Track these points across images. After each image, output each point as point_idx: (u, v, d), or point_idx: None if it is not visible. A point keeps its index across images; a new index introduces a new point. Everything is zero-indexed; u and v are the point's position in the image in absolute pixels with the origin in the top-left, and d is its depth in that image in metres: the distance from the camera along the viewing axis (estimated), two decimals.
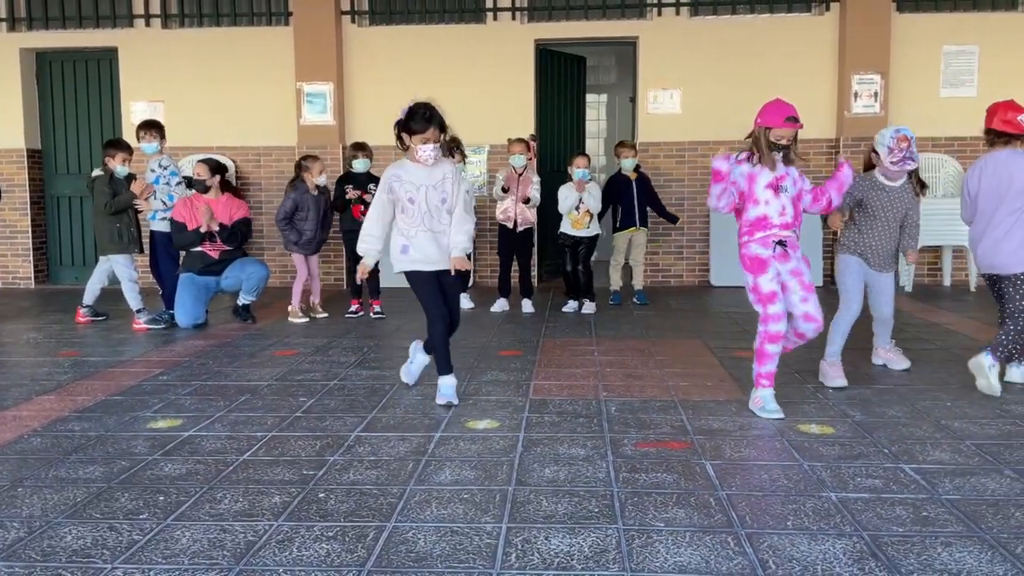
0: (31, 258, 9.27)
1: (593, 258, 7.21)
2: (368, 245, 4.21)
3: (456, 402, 4.11)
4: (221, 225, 6.36)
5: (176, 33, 9.06)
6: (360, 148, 6.87)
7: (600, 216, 7.16)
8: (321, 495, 2.92)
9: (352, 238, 6.84)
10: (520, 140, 7.09)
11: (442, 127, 4.01)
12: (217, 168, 6.50)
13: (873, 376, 4.59)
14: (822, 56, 8.56)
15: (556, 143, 9.21)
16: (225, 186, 6.63)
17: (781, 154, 3.86)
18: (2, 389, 4.51)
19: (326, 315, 6.86)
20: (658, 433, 3.62)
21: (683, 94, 8.74)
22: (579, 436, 3.58)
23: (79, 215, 9.42)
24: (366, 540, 2.54)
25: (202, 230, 6.29)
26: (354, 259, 6.91)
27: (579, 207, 6.96)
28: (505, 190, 6.94)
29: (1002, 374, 4.32)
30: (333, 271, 8.94)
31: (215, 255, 6.42)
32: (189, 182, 6.57)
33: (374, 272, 6.88)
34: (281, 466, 3.23)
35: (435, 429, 3.71)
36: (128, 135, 7.88)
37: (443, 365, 4.18)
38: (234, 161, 8.95)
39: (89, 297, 6.69)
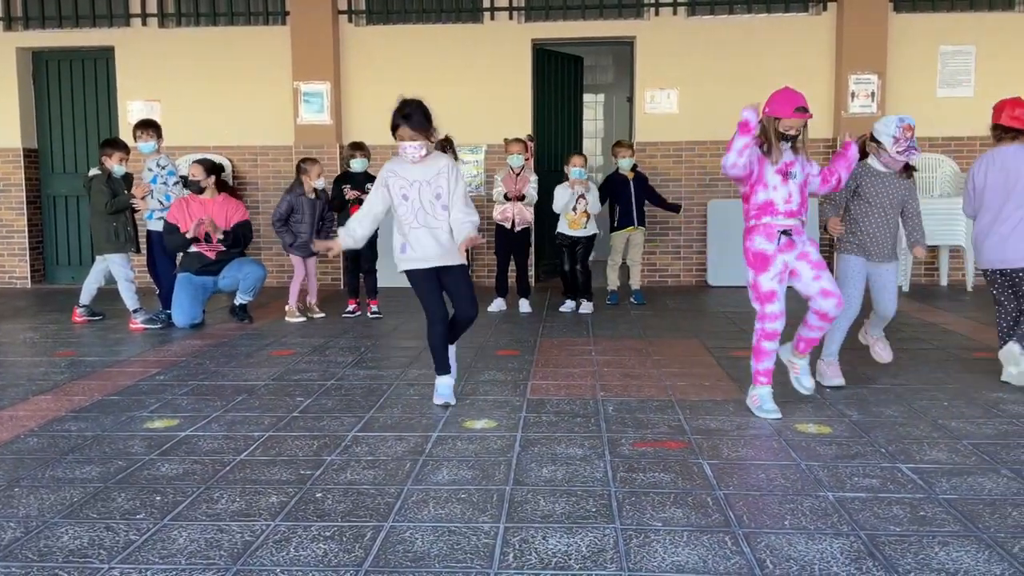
0: (27, 258, 9.25)
1: (591, 258, 7.21)
2: (349, 230, 4.15)
3: (453, 402, 4.11)
4: (225, 232, 6.36)
5: (173, 32, 9.04)
6: (358, 148, 6.87)
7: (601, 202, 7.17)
8: (318, 495, 2.92)
9: None
10: (517, 140, 7.09)
11: (422, 125, 3.91)
12: (212, 168, 6.49)
13: (870, 376, 4.59)
14: (819, 56, 8.57)
15: (553, 143, 9.21)
16: (222, 186, 6.62)
17: (789, 144, 3.80)
18: None
19: (323, 315, 6.86)
20: (655, 433, 3.62)
21: (680, 94, 8.74)
22: (576, 436, 3.58)
23: (76, 215, 9.41)
24: (363, 540, 2.54)
25: (212, 239, 6.31)
26: (351, 259, 6.94)
27: (576, 207, 6.96)
28: (507, 197, 6.94)
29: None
30: (330, 271, 8.94)
31: (212, 255, 6.42)
32: (185, 182, 6.56)
33: (371, 272, 6.90)
34: (278, 466, 3.23)
35: (432, 429, 3.70)
36: (125, 134, 7.87)
37: (440, 365, 4.17)
38: (231, 160, 8.94)
39: (85, 297, 6.68)
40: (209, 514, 2.75)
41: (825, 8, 8.60)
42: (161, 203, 6.55)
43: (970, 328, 6.09)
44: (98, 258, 6.62)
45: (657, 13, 8.74)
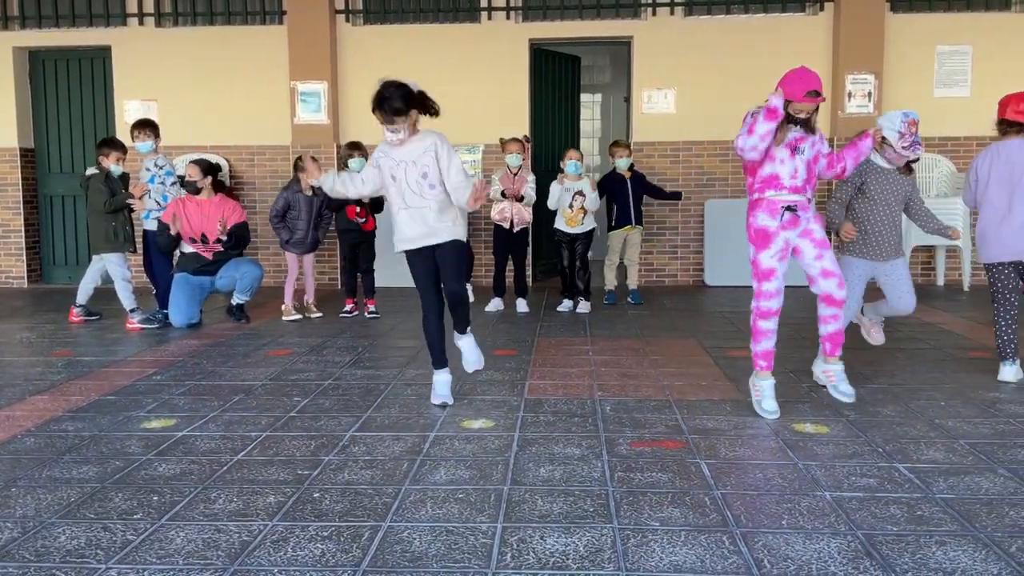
0: (24, 257, 9.24)
1: (589, 256, 7.23)
2: (331, 176, 4.14)
3: (451, 401, 4.11)
4: (229, 235, 6.36)
5: (170, 32, 9.03)
6: (355, 147, 6.85)
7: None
8: (316, 495, 2.91)
9: (346, 238, 6.89)
10: (515, 140, 7.09)
11: (397, 109, 3.81)
12: (209, 169, 6.49)
13: (867, 376, 4.60)
14: (816, 56, 8.56)
15: (550, 143, 9.21)
16: (218, 186, 6.62)
17: (798, 126, 3.74)
18: None
19: (320, 315, 6.85)
20: (653, 433, 3.62)
21: (677, 94, 8.75)
22: (574, 436, 3.58)
23: (72, 214, 9.40)
24: (361, 540, 2.54)
25: (209, 240, 6.31)
26: (349, 259, 6.94)
27: (573, 204, 6.97)
28: (504, 195, 6.94)
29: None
30: (328, 271, 8.93)
31: (209, 256, 6.41)
32: (182, 182, 6.56)
33: (369, 271, 6.90)
34: (276, 466, 3.22)
35: (430, 429, 3.70)
36: (122, 134, 7.86)
37: (437, 359, 4.15)
38: (228, 160, 8.94)
39: (82, 296, 6.67)
40: (206, 514, 2.74)
41: (822, 8, 8.61)
42: (158, 203, 6.54)
43: (967, 328, 6.10)
44: (95, 258, 6.61)
45: (654, 13, 8.74)
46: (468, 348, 4.25)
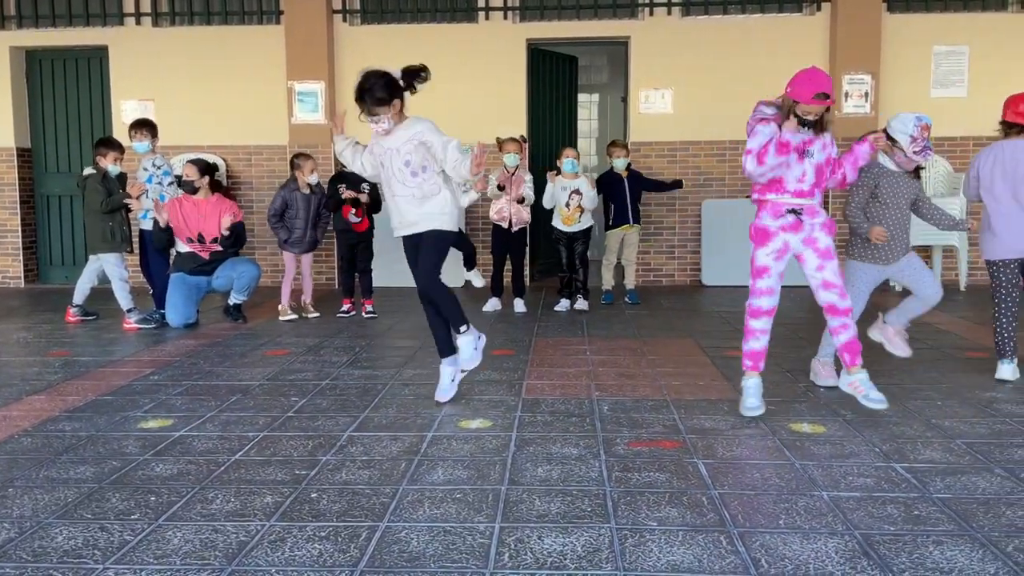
0: (21, 257, 9.22)
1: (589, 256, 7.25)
2: (349, 144, 4.17)
3: (444, 399, 4.11)
4: (229, 231, 6.36)
5: (167, 31, 9.02)
6: None
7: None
8: (313, 495, 2.91)
9: (344, 238, 6.88)
10: (512, 139, 7.09)
11: (378, 100, 3.81)
12: (206, 169, 6.49)
13: None
14: (813, 56, 8.56)
15: (548, 143, 9.21)
16: (215, 186, 6.61)
17: (807, 128, 3.66)
18: None
19: (318, 315, 6.85)
20: (650, 432, 3.62)
21: (674, 94, 8.75)
22: (572, 435, 3.58)
23: (69, 214, 9.38)
24: (359, 540, 2.54)
25: (206, 239, 6.31)
26: (346, 259, 6.94)
27: (569, 203, 6.98)
28: (501, 188, 6.94)
29: None
30: (325, 270, 8.93)
31: (205, 255, 6.40)
32: (179, 182, 6.55)
33: (366, 271, 6.90)
34: (273, 466, 3.22)
35: (427, 429, 3.70)
36: (119, 133, 7.85)
37: (442, 347, 4.16)
38: (225, 160, 8.93)
39: (79, 296, 6.66)
40: (204, 514, 2.74)
41: (819, 8, 8.62)
42: (156, 203, 6.53)
43: (964, 328, 6.11)
44: (92, 257, 6.60)
45: (651, 13, 8.75)
46: (463, 346, 4.11)
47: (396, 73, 3.89)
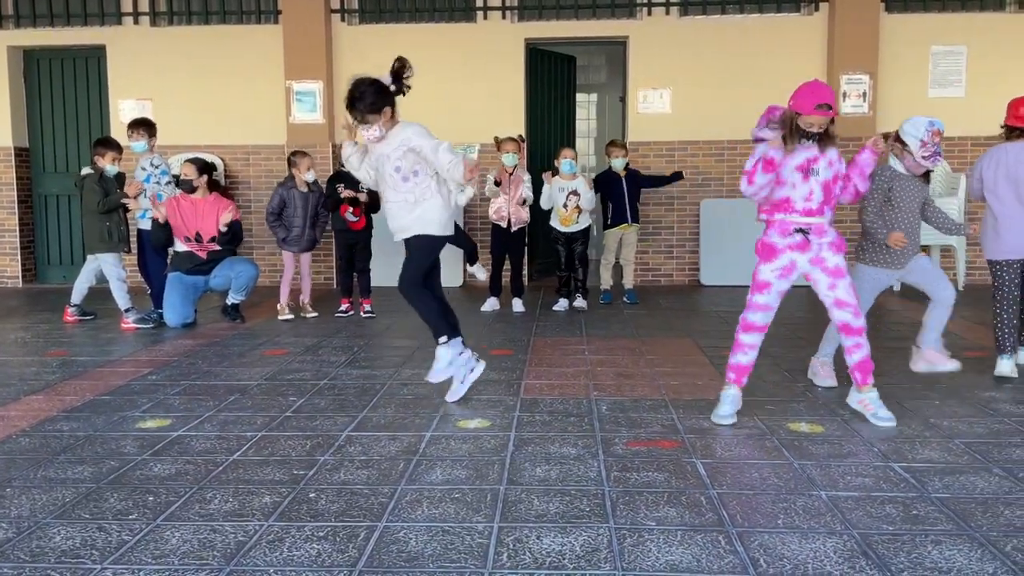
0: (19, 257, 9.21)
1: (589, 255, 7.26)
2: (353, 148, 4.19)
3: (435, 381, 4.16)
4: (228, 226, 6.35)
5: (165, 31, 9.02)
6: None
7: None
8: (312, 495, 2.91)
9: (343, 237, 6.88)
10: (511, 139, 7.09)
11: (369, 108, 3.86)
12: (204, 168, 6.48)
13: None
14: (811, 56, 8.59)
15: (546, 142, 9.21)
16: (213, 185, 6.61)
17: (811, 141, 3.60)
18: None
19: (316, 314, 6.84)
20: (649, 432, 3.62)
21: (673, 94, 8.75)
22: (570, 435, 3.58)
23: (67, 214, 9.37)
24: (357, 540, 2.53)
25: (203, 238, 6.31)
26: (345, 258, 6.93)
27: (567, 204, 6.98)
28: (497, 183, 6.93)
29: None
30: (324, 270, 8.92)
31: (203, 255, 6.40)
32: (178, 181, 6.55)
33: (365, 271, 6.89)
34: (271, 466, 3.22)
35: (426, 428, 3.70)
36: (117, 133, 7.85)
37: (436, 329, 4.19)
38: (223, 159, 8.92)
39: (77, 296, 6.65)
40: (202, 514, 2.74)
41: (817, 8, 8.63)
42: (153, 200, 6.53)
43: (962, 327, 6.11)
44: (90, 257, 6.60)
45: (650, 13, 8.75)
46: (438, 357, 4.14)
47: (386, 79, 3.94)
